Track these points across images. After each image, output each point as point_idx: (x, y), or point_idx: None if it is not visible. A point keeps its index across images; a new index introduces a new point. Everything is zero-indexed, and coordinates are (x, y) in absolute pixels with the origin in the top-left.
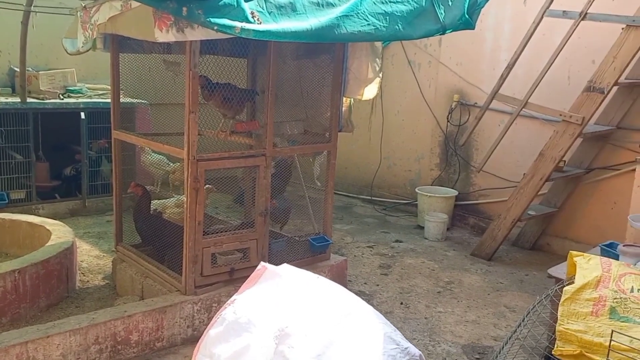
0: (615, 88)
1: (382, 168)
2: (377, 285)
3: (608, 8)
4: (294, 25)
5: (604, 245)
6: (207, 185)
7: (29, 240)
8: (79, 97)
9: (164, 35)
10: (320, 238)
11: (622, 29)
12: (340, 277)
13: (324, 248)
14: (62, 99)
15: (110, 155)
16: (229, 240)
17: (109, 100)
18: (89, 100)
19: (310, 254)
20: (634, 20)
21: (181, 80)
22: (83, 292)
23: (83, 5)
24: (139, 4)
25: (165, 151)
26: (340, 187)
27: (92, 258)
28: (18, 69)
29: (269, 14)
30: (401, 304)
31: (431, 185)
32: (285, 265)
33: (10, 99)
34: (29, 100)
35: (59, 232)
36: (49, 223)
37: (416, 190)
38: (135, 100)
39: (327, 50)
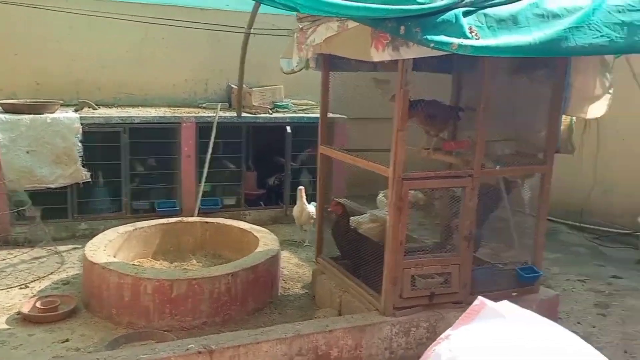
0: None
1: (595, 192)
2: (594, 327)
3: None
4: (516, 39)
5: None
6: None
7: (238, 244)
8: (285, 112)
9: (380, 54)
10: (529, 268)
11: None
12: (550, 314)
13: (533, 280)
14: (271, 114)
15: (311, 167)
16: (430, 263)
17: (312, 115)
18: (294, 115)
19: (517, 285)
20: None
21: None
22: (285, 299)
23: (300, 27)
24: (355, 24)
25: (369, 168)
26: None
27: (292, 266)
28: (235, 86)
29: (489, 28)
30: (625, 352)
31: None
32: (506, 303)
33: (227, 113)
34: (243, 114)
35: (265, 239)
36: (257, 230)
37: (639, 220)
38: (335, 115)
39: (545, 65)
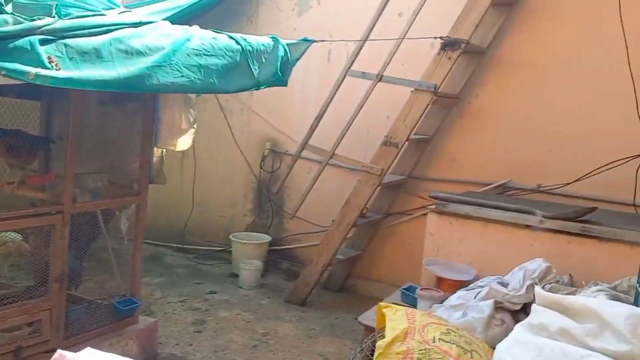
0: (406, 143)
1: (194, 214)
2: (190, 345)
3: (400, 72)
4: (100, 73)
5: (403, 288)
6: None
7: None
8: None
9: None
10: (128, 300)
11: (411, 91)
12: (150, 341)
13: (132, 312)
14: None
15: None
16: (15, 314)
17: None
18: None
19: (116, 319)
20: (420, 85)
21: None
22: None
23: None
24: None
25: None
26: (149, 235)
27: None
28: None
29: (70, 59)
30: None
31: (245, 231)
32: (88, 351)
33: None
34: None
35: None
36: None
37: (230, 237)
38: None
39: (135, 98)
